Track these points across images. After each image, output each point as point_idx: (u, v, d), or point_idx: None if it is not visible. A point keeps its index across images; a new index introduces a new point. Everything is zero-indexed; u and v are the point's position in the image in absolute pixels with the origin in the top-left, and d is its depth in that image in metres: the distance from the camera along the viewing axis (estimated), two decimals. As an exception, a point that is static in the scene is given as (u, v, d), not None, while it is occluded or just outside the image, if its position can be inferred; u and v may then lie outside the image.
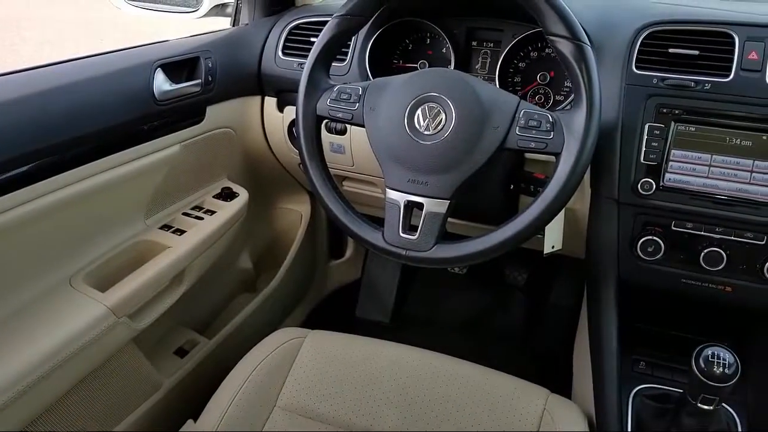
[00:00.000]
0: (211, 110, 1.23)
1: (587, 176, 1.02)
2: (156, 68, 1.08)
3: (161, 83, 1.09)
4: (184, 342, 1.34)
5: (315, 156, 0.95)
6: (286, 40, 1.29)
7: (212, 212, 1.25)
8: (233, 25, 1.39)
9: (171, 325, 1.34)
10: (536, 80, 1.14)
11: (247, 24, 1.37)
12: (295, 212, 1.71)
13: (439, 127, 0.85)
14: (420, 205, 0.87)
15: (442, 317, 1.90)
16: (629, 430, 0.95)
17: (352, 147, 1.24)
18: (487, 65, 1.19)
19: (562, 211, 1.06)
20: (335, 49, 0.96)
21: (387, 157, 0.89)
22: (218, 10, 1.61)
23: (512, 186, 1.10)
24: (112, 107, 1.00)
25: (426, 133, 0.86)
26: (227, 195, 1.31)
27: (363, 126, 0.92)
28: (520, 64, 1.15)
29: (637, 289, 1.02)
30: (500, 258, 1.90)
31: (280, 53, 1.28)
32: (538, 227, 0.83)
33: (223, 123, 1.29)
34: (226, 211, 1.26)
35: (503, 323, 1.85)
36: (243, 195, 1.33)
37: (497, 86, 1.12)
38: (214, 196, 1.31)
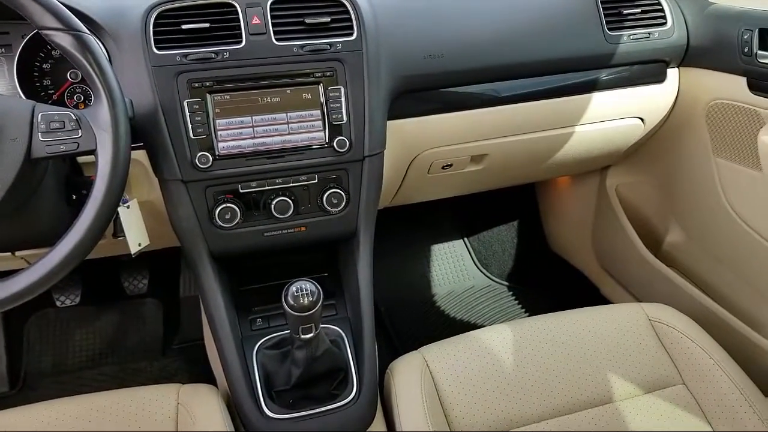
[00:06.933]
0: None
1: (148, 165, 1.00)
2: None
3: None
4: None
5: None
6: None
7: None
8: None
9: None
10: (68, 80, 1.05)
11: None
12: None
13: None
14: None
15: (73, 358, 1.70)
16: (258, 384, 1.01)
17: None
18: (6, 73, 1.05)
19: (135, 207, 1.03)
20: None
21: None
22: None
23: (75, 196, 1.01)
24: None
25: None
26: None
27: None
28: (44, 66, 1.04)
29: (232, 256, 1.07)
30: (111, 271, 1.79)
31: None
32: (98, 231, 0.78)
33: None
34: None
35: (142, 335, 1.75)
36: None
37: (21, 95, 1.00)
38: None
